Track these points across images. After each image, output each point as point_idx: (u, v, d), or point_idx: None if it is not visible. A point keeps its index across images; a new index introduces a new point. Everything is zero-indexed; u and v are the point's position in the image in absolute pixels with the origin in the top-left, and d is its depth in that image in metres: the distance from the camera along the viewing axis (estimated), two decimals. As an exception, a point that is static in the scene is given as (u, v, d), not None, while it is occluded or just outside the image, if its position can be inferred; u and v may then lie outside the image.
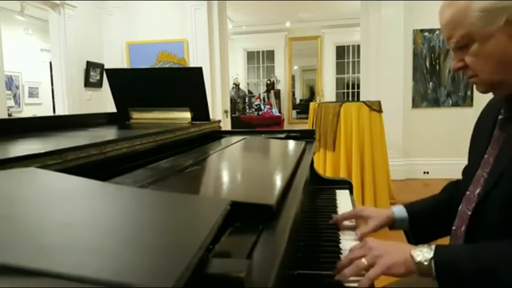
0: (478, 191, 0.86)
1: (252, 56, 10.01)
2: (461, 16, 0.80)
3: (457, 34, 0.81)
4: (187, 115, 1.51)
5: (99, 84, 4.88)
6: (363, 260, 0.76)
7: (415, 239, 1.03)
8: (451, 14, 0.81)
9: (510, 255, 0.70)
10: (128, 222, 0.41)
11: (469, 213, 0.86)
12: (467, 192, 0.90)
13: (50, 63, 5.27)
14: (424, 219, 1.03)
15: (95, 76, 4.80)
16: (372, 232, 1.00)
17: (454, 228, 0.92)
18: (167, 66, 4.70)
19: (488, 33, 0.78)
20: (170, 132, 1.17)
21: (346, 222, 1.06)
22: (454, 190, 1.05)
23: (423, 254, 0.73)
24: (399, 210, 1.03)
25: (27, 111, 6.73)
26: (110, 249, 0.33)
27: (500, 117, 0.89)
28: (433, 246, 0.74)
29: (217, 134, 1.60)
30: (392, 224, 1.03)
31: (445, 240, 1.01)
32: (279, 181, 0.79)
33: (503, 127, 0.87)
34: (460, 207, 0.91)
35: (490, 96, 0.95)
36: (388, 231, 1.06)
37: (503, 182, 0.79)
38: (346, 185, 1.48)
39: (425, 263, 0.72)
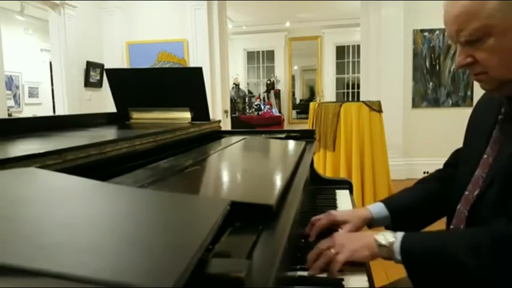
0: (476, 192, 0.85)
1: (252, 56, 10.01)
2: (477, 7, 0.72)
3: (471, 27, 0.73)
4: (187, 115, 1.51)
5: (99, 84, 4.88)
6: (332, 250, 0.78)
7: None
8: (464, 4, 0.73)
9: (472, 240, 0.72)
10: (127, 222, 0.41)
11: (466, 213, 0.86)
12: (466, 193, 0.89)
13: (50, 63, 5.27)
14: (405, 216, 1.02)
15: (95, 76, 4.80)
16: None
17: (452, 227, 0.92)
18: (167, 66, 4.70)
19: (508, 26, 0.71)
20: (170, 132, 1.17)
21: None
22: (434, 184, 1.05)
23: (385, 237, 0.77)
24: (378, 209, 1.02)
25: (27, 111, 6.73)
26: (110, 249, 0.33)
27: (500, 117, 0.86)
28: (398, 233, 0.77)
29: (217, 134, 1.60)
30: (370, 223, 1.02)
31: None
32: (279, 181, 0.79)
33: (503, 128, 0.85)
34: (458, 207, 0.91)
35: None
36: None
37: (497, 181, 0.78)
38: (346, 185, 1.48)
39: (388, 246, 0.76)
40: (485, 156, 0.87)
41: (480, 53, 0.76)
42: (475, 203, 0.84)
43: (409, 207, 1.04)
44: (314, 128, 3.57)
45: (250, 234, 0.52)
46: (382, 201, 1.04)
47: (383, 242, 0.76)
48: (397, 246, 0.75)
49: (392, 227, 1.02)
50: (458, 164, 1.00)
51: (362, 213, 1.01)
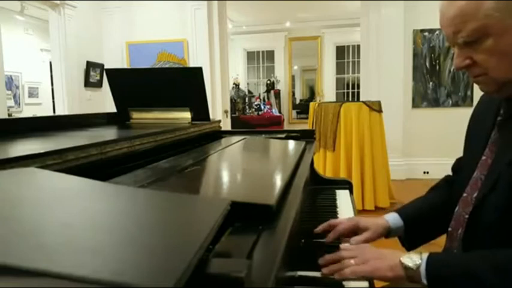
0: (475, 194, 0.84)
1: (252, 56, 10.01)
2: (474, 7, 0.71)
3: (468, 28, 0.72)
4: (187, 115, 1.51)
5: (99, 84, 4.88)
6: (352, 261, 0.77)
7: (410, 244, 1.02)
8: (461, 5, 0.72)
9: (499, 264, 0.69)
10: (127, 222, 0.41)
11: (466, 216, 0.85)
12: (464, 195, 0.88)
13: (50, 63, 5.27)
14: (419, 224, 1.01)
15: (95, 76, 4.80)
16: (366, 242, 0.96)
17: (450, 229, 0.91)
18: (167, 66, 4.70)
19: (507, 26, 0.70)
20: (170, 132, 1.17)
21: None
22: (446, 190, 1.04)
23: (412, 259, 0.74)
24: (394, 219, 1.00)
25: (27, 111, 6.73)
26: (110, 249, 0.33)
27: (499, 118, 0.85)
28: (424, 254, 0.74)
29: (217, 134, 1.60)
30: (387, 233, 1.00)
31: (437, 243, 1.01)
32: (279, 181, 0.79)
33: (502, 129, 0.84)
34: (456, 209, 0.90)
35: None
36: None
37: (500, 186, 0.77)
38: (346, 185, 1.48)
39: (414, 268, 0.73)
40: (483, 157, 0.86)
41: (479, 54, 0.75)
42: (476, 206, 0.82)
43: (422, 216, 1.02)
44: (314, 128, 3.57)
45: (250, 234, 0.52)
46: (396, 211, 1.03)
47: (409, 264, 0.73)
48: (423, 269, 0.73)
49: (405, 236, 1.01)
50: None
51: (382, 223, 0.99)
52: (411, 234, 1.00)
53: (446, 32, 0.78)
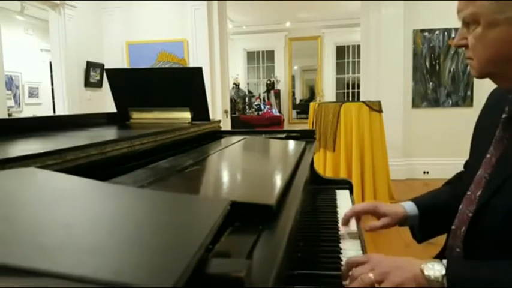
0: (479, 192, 0.84)
1: (252, 56, 10.00)
2: None
3: (466, 10, 0.79)
4: (187, 115, 1.51)
5: (99, 84, 4.88)
6: (370, 274, 0.72)
7: (422, 235, 1.03)
8: None
9: None
10: (127, 222, 0.41)
11: (470, 215, 0.84)
12: (468, 193, 0.88)
13: (50, 63, 5.27)
14: (433, 216, 1.01)
15: (95, 76, 4.80)
16: (384, 228, 0.98)
17: (453, 227, 0.90)
18: (167, 66, 4.70)
19: (494, 20, 0.75)
20: (170, 132, 1.17)
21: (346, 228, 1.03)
22: (459, 185, 1.03)
23: (435, 269, 0.70)
24: (410, 208, 1.01)
25: (27, 111, 6.73)
26: (110, 249, 0.33)
27: (504, 115, 0.85)
28: (445, 262, 0.71)
29: (217, 134, 1.60)
30: (404, 221, 1.00)
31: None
32: (279, 181, 0.79)
33: (506, 127, 0.84)
34: (460, 207, 0.89)
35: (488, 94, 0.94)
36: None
37: (508, 188, 0.76)
38: (346, 185, 1.48)
39: (438, 279, 0.69)
40: (488, 155, 0.86)
41: (471, 37, 0.80)
42: (481, 206, 0.81)
43: (437, 208, 1.02)
44: (314, 128, 3.57)
45: (250, 234, 0.52)
46: (412, 200, 1.04)
47: (432, 274, 0.69)
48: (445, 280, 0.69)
49: (419, 226, 1.01)
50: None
51: (401, 210, 1.00)
52: (425, 225, 1.01)
53: (456, 8, 0.84)
